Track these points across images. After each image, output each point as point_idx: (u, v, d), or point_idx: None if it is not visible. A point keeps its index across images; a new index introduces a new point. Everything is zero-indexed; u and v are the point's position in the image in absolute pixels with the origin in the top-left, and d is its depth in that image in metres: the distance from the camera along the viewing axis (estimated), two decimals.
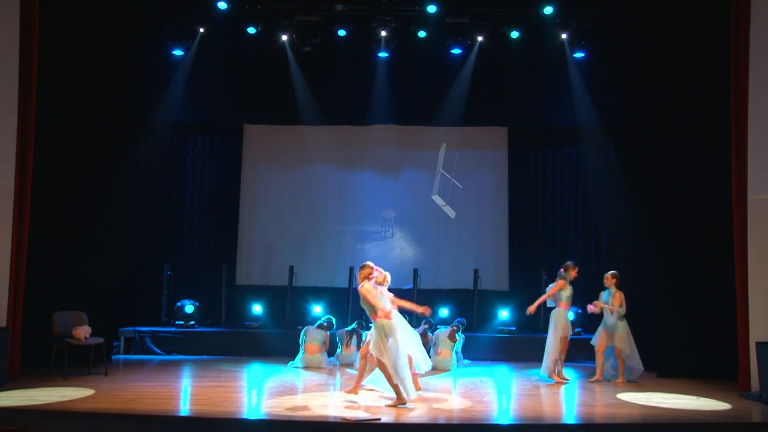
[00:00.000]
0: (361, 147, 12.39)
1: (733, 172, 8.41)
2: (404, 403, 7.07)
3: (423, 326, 10.21)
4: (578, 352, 10.66)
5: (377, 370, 7.31)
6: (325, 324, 10.11)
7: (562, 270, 9.13)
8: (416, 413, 6.92)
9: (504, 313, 11.37)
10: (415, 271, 11.58)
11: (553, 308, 9.11)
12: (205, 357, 10.47)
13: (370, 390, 7.72)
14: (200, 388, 8.20)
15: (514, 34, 11.04)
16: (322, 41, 11.02)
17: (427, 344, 9.99)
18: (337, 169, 12.37)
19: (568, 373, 9.24)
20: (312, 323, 10.25)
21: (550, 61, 11.41)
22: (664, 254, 9.78)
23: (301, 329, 10.10)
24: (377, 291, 7.37)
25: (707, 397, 7.88)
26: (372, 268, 7.41)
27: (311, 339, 9.87)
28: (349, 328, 10.16)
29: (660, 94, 9.97)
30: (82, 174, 9.82)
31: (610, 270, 10.93)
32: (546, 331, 11.13)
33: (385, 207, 12.30)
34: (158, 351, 10.65)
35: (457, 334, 9.87)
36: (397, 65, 11.69)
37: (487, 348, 10.73)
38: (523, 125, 12.23)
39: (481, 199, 12.26)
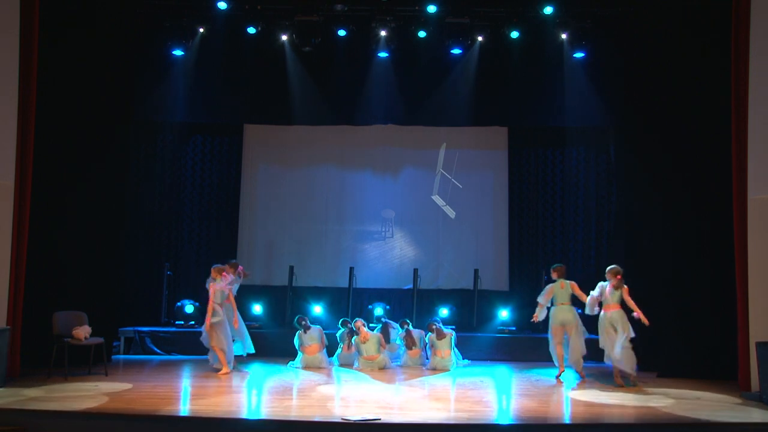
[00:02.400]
0: (361, 147, 12.39)
1: (733, 172, 8.41)
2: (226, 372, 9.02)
3: (403, 328, 10.20)
4: None
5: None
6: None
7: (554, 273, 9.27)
8: (416, 413, 6.93)
9: (504, 313, 11.37)
10: (415, 271, 11.58)
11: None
12: (205, 357, 10.43)
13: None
14: (200, 388, 8.20)
15: (514, 34, 11.04)
16: (322, 41, 11.01)
17: (415, 343, 10.00)
18: (337, 169, 12.37)
19: (569, 372, 9.24)
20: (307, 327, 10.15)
21: (550, 61, 11.41)
22: (663, 253, 9.77)
23: (295, 333, 10.06)
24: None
25: (707, 397, 7.88)
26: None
27: (309, 339, 9.87)
28: (345, 328, 10.16)
29: (660, 95, 9.96)
30: (81, 174, 9.82)
31: (609, 268, 10.96)
32: (545, 331, 11.21)
33: (385, 207, 12.30)
34: (158, 351, 10.65)
35: (444, 330, 9.85)
36: (397, 65, 11.68)
37: (487, 348, 10.73)
38: (523, 125, 12.22)
39: (481, 199, 12.26)
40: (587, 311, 9.03)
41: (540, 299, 9.23)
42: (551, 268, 9.47)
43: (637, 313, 8.69)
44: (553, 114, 11.80)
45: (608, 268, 9.02)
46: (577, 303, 9.32)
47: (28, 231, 8.59)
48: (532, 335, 11.16)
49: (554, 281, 9.26)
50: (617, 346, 8.63)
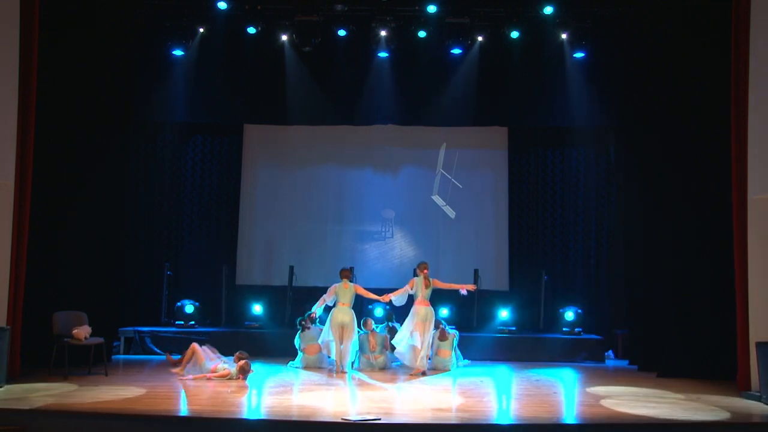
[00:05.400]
0: (361, 147, 12.38)
1: (733, 172, 8.41)
2: None
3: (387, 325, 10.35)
4: (577, 352, 10.68)
5: None
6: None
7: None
8: (416, 413, 6.93)
9: (504, 313, 11.36)
10: (415, 271, 11.55)
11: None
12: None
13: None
14: (200, 388, 8.20)
15: (514, 34, 11.03)
16: (322, 41, 11.01)
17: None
18: (337, 169, 12.37)
19: (569, 372, 9.24)
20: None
21: (550, 61, 11.40)
22: (663, 254, 9.77)
23: (297, 332, 10.06)
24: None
25: (707, 397, 7.88)
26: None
27: (309, 339, 9.87)
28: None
29: (660, 95, 9.97)
30: (81, 174, 9.82)
31: (610, 270, 10.99)
32: (546, 331, 11.24)
33: (385, 207, 12.29)
34: (158, 351, 10.64)
35: (449, 331, 9.86)
36: (397, 65, 11.67)
37: (487, 348, 10.72)
38: (523, 125, 12.21)
39: (481, 199, 12.26)
40: (399, 302, 9.71)
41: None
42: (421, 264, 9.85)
43: (462, 288, 9.71)
44: (553, 114, 11.79)
45: (419, 263, 9.81)
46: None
47: (28, 231, 8.58)
48: (532, 335, 11.17)
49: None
50: (415, 341, 9.34)
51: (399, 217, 12.27)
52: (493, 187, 12.26)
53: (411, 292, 9.66)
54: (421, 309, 9.50)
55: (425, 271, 9.64)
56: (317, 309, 9.79)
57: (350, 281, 9.80)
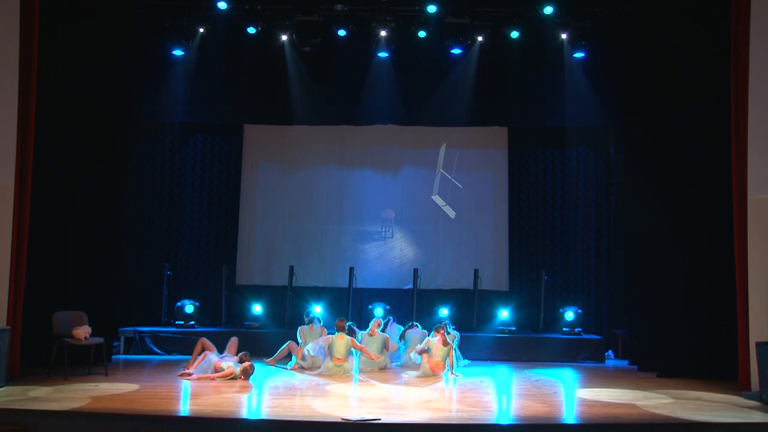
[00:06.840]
0: (361, 147, 12.38)
1: (733, 171, 8.41)
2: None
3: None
4: (578, 352, 10.68)
5: None
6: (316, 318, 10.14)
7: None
8: (416, 413, 6.93)
9: (504, 313, 11.36)
10: (415, 271, 11.58)
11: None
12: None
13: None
14: (200, 388, 8.20)
15: (514, 34, 11.03)
16: (322, 41, 11.01)
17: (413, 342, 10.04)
18: (337, 169, 12.37)
19: (569, 372, 9.22)
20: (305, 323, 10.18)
21: (550, 61, 11.39)
22: (663, 253, 9.77)
23: (298, 329, 10.06)
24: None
25: (707, 397, 7.88)
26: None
27: (309, 340, 9.85)
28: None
29: (660, 95, 9.97)
30: (81, 174, 9.82)
31: (610, 270, 10.97)
32: (545, 331, 11.23)
33: (385, 207, 12.29)
34: (158, 351, 10.65)
35: (450, 331, 9.83)
36: (397, 65, 11.67)
37: (487, 348, 10.73)
38: (523, 125, 12.21)
39: (481, 199, 12.26)
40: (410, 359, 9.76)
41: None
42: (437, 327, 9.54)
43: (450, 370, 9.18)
44: (553, 114, 11.77)
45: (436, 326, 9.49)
46: None
47: (28, 231, 8.58)
48: (532, 335, 11.17)
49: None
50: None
51: (399, 217, 12.27)
52: (492, 187, 12.26)
53: (425, 348, 9.39)
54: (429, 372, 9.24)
55: (441, 331, 9.29)
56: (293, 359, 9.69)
57: (346, 334, 9.47)
